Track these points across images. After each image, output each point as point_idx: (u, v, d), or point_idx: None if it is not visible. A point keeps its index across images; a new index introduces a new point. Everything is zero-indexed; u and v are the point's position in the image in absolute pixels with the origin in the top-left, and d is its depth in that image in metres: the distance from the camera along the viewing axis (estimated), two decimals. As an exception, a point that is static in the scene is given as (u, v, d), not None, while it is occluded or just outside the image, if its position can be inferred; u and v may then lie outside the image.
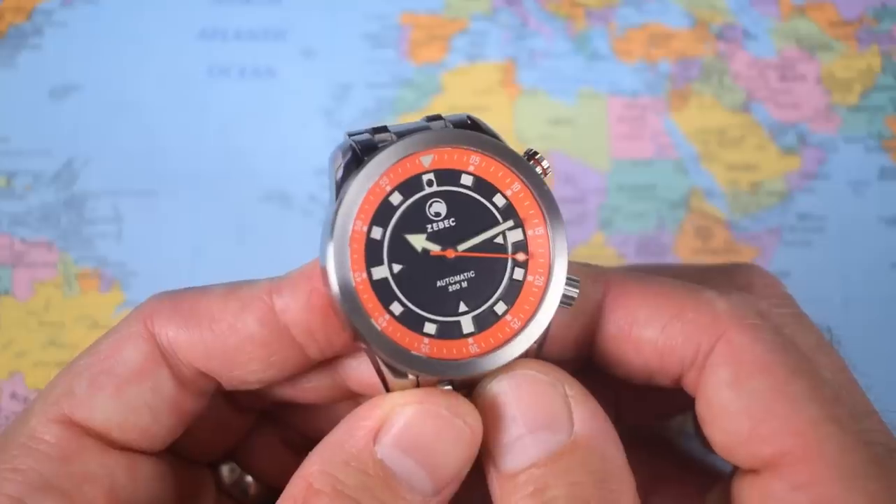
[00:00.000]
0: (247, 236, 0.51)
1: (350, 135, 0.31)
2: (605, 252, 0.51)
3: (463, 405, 0.29)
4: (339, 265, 0.30)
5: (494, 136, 0.32)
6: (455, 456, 0.29)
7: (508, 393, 0.30)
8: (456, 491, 0.30)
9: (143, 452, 0.33)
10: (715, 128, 0.52)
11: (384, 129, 0.31)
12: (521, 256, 0.31)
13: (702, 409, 0.31)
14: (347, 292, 0.29)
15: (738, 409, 0.30)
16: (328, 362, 0.34)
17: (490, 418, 0.30)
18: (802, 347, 0.31)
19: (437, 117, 0.32)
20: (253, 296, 0.32)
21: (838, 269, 0.51)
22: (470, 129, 0.32)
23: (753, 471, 0.30)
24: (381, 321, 0.30)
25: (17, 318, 0.50)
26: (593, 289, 0.32)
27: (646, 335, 0.32)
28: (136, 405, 0.32)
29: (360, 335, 0.30)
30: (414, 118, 0.52)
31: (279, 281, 0.33)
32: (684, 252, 0.51)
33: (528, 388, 0.30)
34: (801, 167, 0.52)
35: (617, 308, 0.32)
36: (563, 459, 0.28)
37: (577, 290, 0.31)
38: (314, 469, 0.29)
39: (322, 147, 0.52)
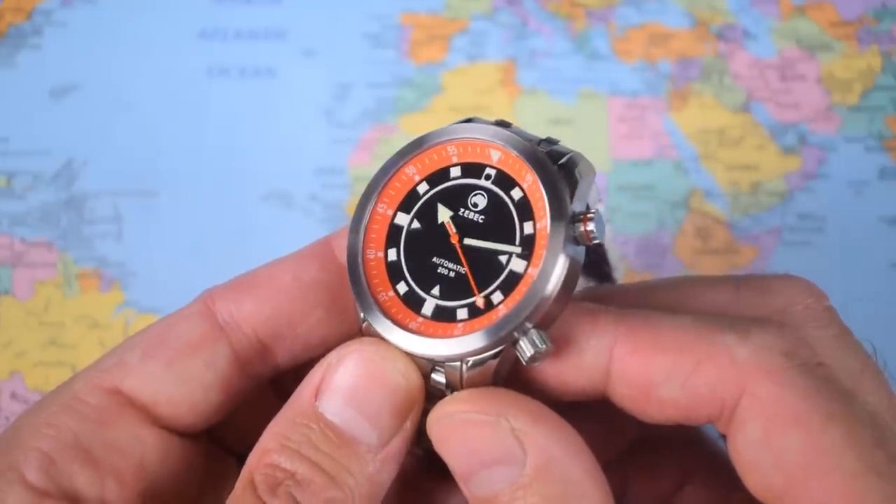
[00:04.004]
0: (247, 236, 0.51)
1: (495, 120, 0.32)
2: (606, 252, 0.51)
3: (392, 351, 0.30)
4: (370, 192, 0.32)
5: (573, 179, 0.30)
6: (391, 404, 0.29)
7: (452, 433, 0.29)
8: (405, 453, 0.30)
9: (181, 434, 0.33)
10: (715, 128, 0.52)
11: (507, 125, 0.32)
12: (480, 302, 0.30)
13: (733, 457, 0.30)
14: (359, 217, 0.31)
15: (770, 466, 0.29)
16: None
17: (444, 452, 0.29)
18: (844, 374, 0.30)
19: (554, 142, 0.31)
20: (313, 247, 0.33)
21: (838, 269, 0.51)
22: (558, 164, 0.31)
23: None
24: (371, 254, 0.31)
25: (17, 318, 0.50)
26: (596, 358, 0.31)
27: (665, 395, 0.30)
28: (188, 378, 0.32)
29: (347, 258, 0.31)
30: (414, 118, 0.52)
31: (338, 230, 0.33)
32: (684, 252, 0.51)
33: (471, 430, 0.29)
34: (801, 167, 0.52)
35: (629, 369, 0.30)
36: (521, 490, 0.28)
37: (535, 352, 0.29)
38: (266, 433, 0.30)
39: (322, 147, 0.52)
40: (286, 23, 0.53)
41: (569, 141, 0.31)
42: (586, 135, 0.52)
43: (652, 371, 0.30)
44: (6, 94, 0.52)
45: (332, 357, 0.30)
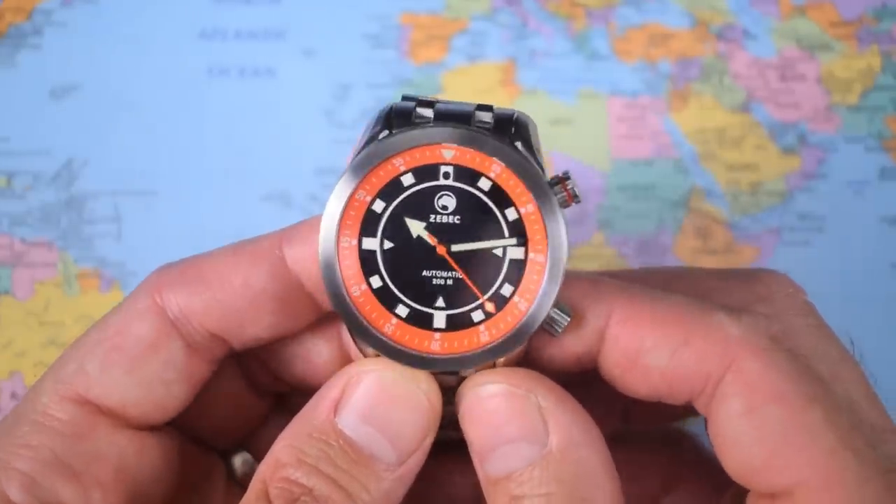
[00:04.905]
0: (247, 236, 0.51)
1: (403, 98, 0.31)
2: (605, 252, 0.51)
3: (416, 372, 0.30)
4: (328, 224, 0.30)
5: (530, 144, 0.30)
6: (413, 423, 0.30)
7: (483, 404, 0.30)
8: (422, 463, 0.30)
9: (153, 429, 0.33)
10: (715, 128, 0.52)
11: (430, 104, 0.30)
12: (489, 307, 0.30)
13: (714, 435, 0.31)
14: (328, 257, 0.30)
15: (751, 440, 0.29)
16: (337, 332, 0.35)
17: (469, 423, 0.30)
18: (823, 361, 0.31)
19: (489, 108, 0.30)
20: (263, 249, 0.33)
21: (838, 268, 0.51)
22: (509, 131, 0.30)
23: (769, 495, 0.30)
24: (356, 290, 0.30)
25: (17, 318, 0.50)
26: (594, 321, 0.31)
27: (653, 363, 0.31)
28: (150, 380, 0.32)
29: (331, 300, 0.30)
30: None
31: (288, 231, 0.33)
32: (684, 252, 0.51)
33: (502, 400, 0.30)
34: (801, 167, 0.52)
35: (623, 334, 0.31)
36: (538, 470, 0.29)
37: (563, 325, 0.30)
38: (280, 445, 0.30)
39: (322, 147, 0.52)
40: (286, 23, 0.53)
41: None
42: (586, 135, 0.52)
43: (644, 338, 0.31)
44: (6, 94, 0.52)
45: (351, 373, 0.30)
